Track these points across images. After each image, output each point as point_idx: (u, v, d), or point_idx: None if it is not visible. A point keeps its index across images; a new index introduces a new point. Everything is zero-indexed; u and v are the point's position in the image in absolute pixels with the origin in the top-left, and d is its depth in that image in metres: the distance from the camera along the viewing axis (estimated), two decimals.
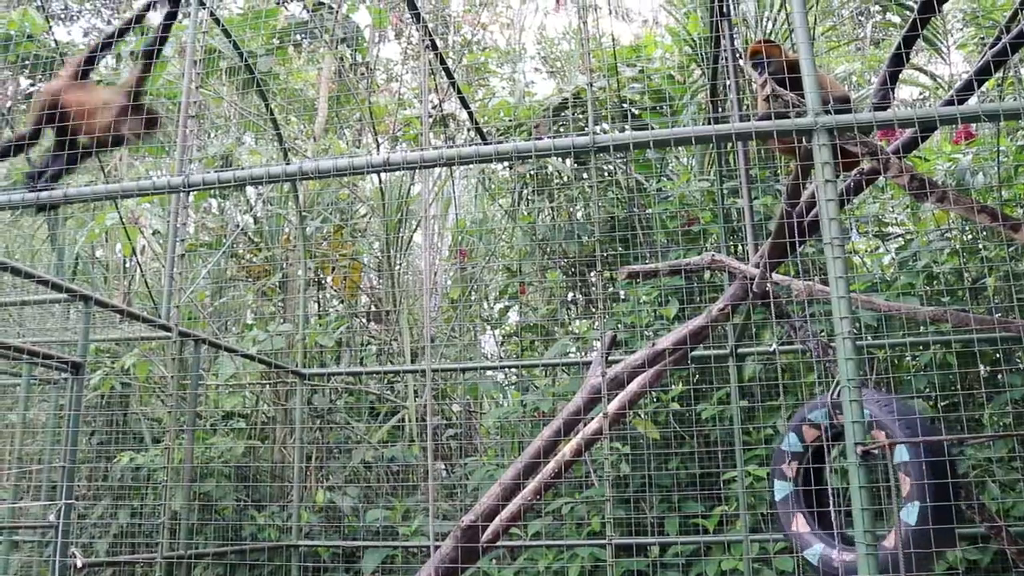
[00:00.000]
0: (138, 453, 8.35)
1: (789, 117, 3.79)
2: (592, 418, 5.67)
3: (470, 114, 6.70)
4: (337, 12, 9.79)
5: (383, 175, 8.72)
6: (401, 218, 9.23)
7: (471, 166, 8.53)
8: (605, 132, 8.12)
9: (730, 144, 7.02)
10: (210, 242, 10.30)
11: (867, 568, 3.37)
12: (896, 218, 8.34)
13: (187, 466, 6.75)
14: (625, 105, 8.22)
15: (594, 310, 8.03)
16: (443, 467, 9.84)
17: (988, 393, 7.05)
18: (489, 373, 9.37)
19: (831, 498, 4.73)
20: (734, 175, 7.04)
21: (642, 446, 7.26)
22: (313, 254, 9.38)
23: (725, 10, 5.77)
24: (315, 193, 9.54)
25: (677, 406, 7.46)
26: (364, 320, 10.11)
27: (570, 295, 9.03)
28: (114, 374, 8.43)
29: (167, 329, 6.23)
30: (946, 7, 10.22)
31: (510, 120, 8.61)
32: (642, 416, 7.30)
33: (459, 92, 6.35)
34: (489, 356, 10.08)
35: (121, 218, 8.39)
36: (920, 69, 10.36)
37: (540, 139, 8.14)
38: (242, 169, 6.24)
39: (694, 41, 8.32)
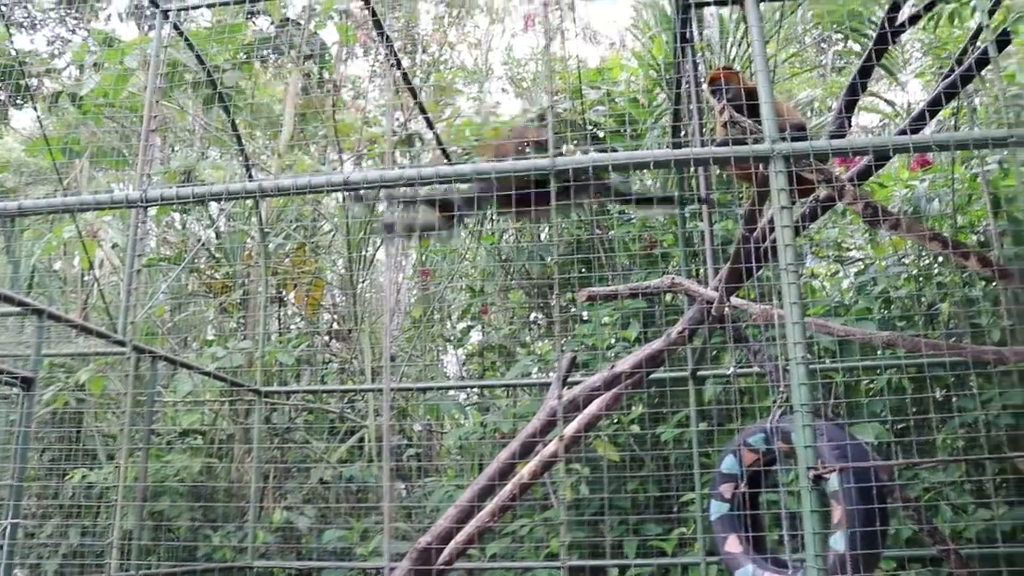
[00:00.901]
0: (91, 470, 8.20)
1: (747, 144, 3.83)
2: (550, 440, 5.67)
3: (435, 133, 6.70)
4: (304, 28, 9.76)
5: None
6: (364, 236, 9.19)
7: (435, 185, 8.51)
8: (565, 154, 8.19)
9: (692, 168, 7.09)
10: (171, 256, 10.19)
11: None
12: (855, 243, 8.45)
13: (140, 484, 6.64)
14: (590, 127, 8.26)
15: (555, 331, 8.03)
16: (403, 487, 9.76)
17: (942, 417, 7.14)
18: (451, 393, 9.34)
19: (785, 519, 4.75)
20: (696, 199, 7.10)
21: (601, 468, 7.26)
22: (275, 271, 9.31)
23: (688, 35, 5.83)
24: (278, 209, 9.48)
25: (637, 428, 7.47)
26: (325, 338, 10.04)
27: (532, 315, 9.03)
28: (68, 389, 8.29)
29: (122, 344, 6.13)
30: (905, 37, 10.44)
31: (476, 140, 8.62)
32: (602, 438, 7.31)
33: (423, 111, 6.34)
34: (451, 376, 10.05)
35: (79, 231, 8.27)
36: (880, 97, 10.55)
37: (504, 160, 8.18)
38: (202, 185, 6.18)
39: (658, 65, 8.41)
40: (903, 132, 5.25)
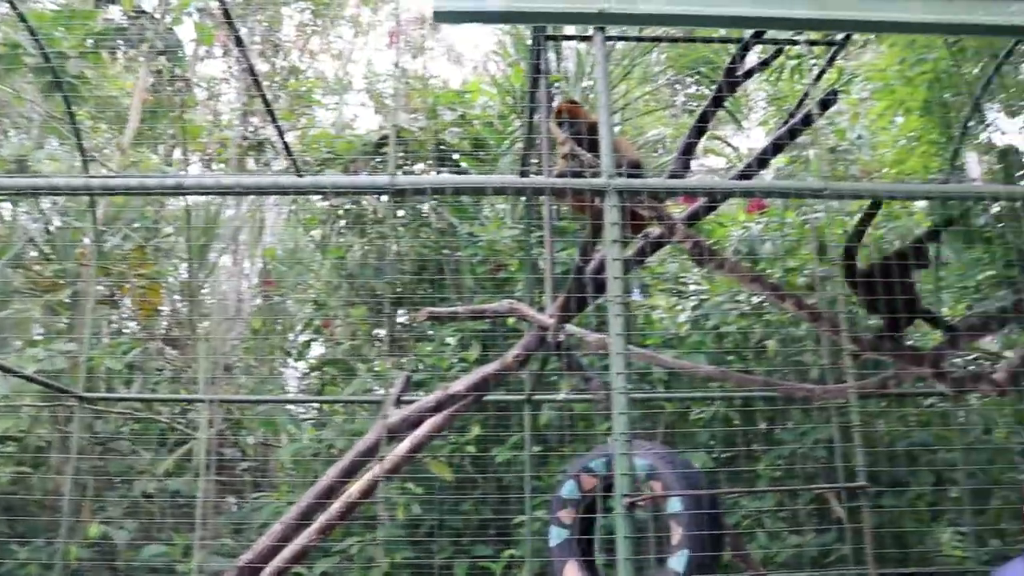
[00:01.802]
0: None
1: (585, 176, 3.93)
2: (383, 458, 5.63)
3: (284, 143, 6.56)
4: (159, 22, 9.38)
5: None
6: (207, 241, 8.87)
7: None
8: (415, 173, 8.21)
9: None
10: None
11: None
12: (693, 279, 8.81)
13: None
14: (443, 148, 8.30)
15: (397, 349, 7.99)
16: (234, 502, 9.43)
17: (765, 448, 7.52)
18: (289, 407, 9.11)
19: (625, 546, 4.84)
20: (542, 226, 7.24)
21: (435, 488, 7.24)
22: (109, 271, 8.85)
23: (543, 67, 5.95)
24: (117, 208, 9.03)
25: (472, 449, 7.50)
26: (160, 344, 9.61)
27: (375, 332, 8.94)
28: None
29: None
30: (752, 87, 11.02)
31: (328, 152, 8.49)
32: (438, 458, 7.30)
33: (274, 120, 6.21)
34: (286, 389, 9.81)
35: None
36: (725, 141, 11.07)
37: (356, 174, 8.11)
38: (24, 176, 5.84)
39: (515, 92, 8.54)
40: (738, 177, 5.54)
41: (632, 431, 3.98)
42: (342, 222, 8.62)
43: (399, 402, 5.50)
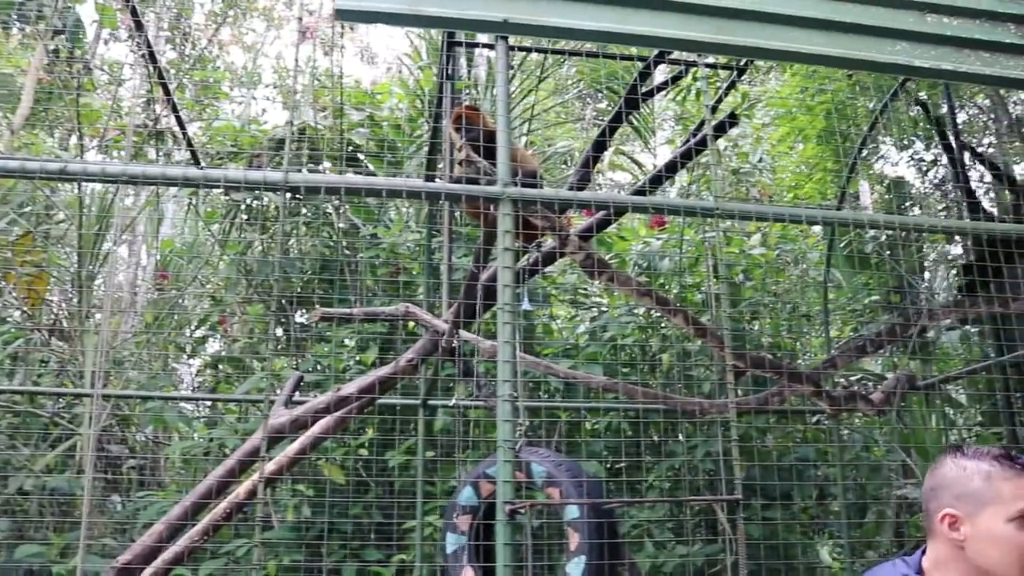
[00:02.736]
0: None
1: (480, 183, 3.95)
2: (272, 458, 5.54)
3: (185, 133, 6.40)
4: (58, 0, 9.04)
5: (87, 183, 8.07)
6: (101, 230, 8.57)
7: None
8: (320, 171, 8.11)
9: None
10: None
11: None
12: (594, 291, 8.94)
13: None
14: (350, 148, 8.22)
15: (295, 348, 7.87)
16: (118, 500, 9.12)
17: (656, 460, 7.67)
18: (182, 404, 8.87)
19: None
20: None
21: (328, 491, 7.16)
22: None
23: (452, 72, 5.96)
24: (5, 191, 8.65)
25: (366, 452, 7.44)
26: (45, 334, 9.23)
27: (272, 331, 8.79)
28: None
29: None
30: (659, 106, 11.25)
31: (232, 145, 8.32)
32: (331, 460, 7.21)
33: (175, 109, 6.05)
34: (179, 385, 9.56)
35: None
36: (631, 157, 11.27)
37: (260, 169, 7.96)
38: None
39: (425, 96, 8.53)
40: (638, 192, 5.64)
41: (528, 439, 4.02)
42: (243, 217, 8.45)
43: (290, 402, 5.42)
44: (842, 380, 7.98)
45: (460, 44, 5.99)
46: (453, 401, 5.80)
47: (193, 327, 9.35)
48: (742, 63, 6.47)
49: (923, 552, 2.32)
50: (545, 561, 5.81)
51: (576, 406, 7.32)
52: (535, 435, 7.28)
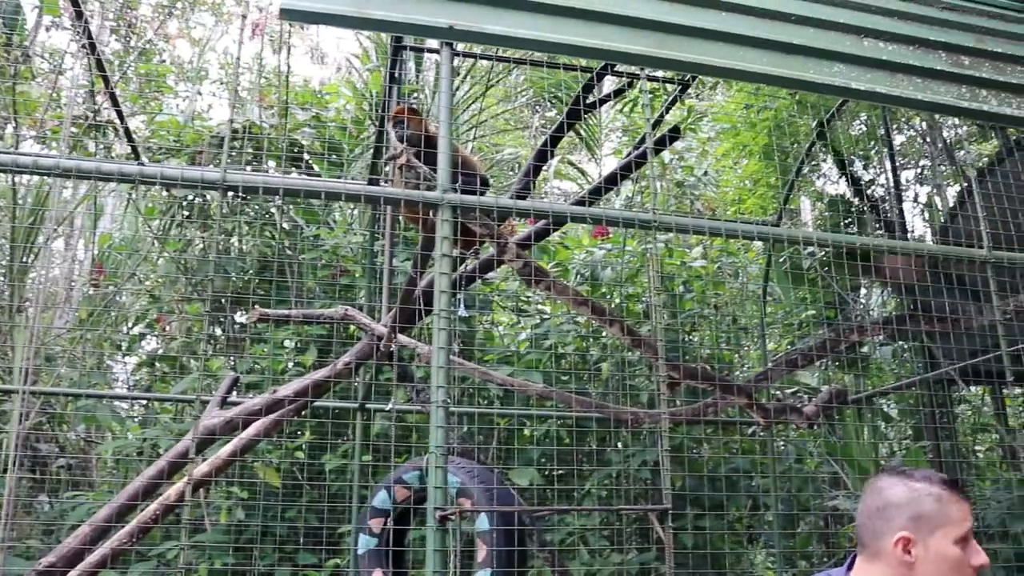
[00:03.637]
0: None
1: (420, 188, 3.95)
2: (204, 459, 5.47)
3: (126, 127, 6.29)
4: None
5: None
6: (36, 223, 8.37)
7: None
8: (264, 170, 8.03)
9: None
10: None
11: None
12: (535, 298, 8.98)
13: None
14: (295, 149, 8.15)
15: (233, 348, 7.76)
16: (46, 500, 8.90)
17: (592, 468, 7.72)
18: (116, 402, 8.69)
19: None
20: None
21: (262, 493, 7.07)
22: None
23: (398, 75, 5.96)
24: None
25: (302, 455, 7.37)
26: None
27: (210, 330, 8.67)
28: None
29: None
30: (608, 117, 11.36)
31: (175, 141, 8.19)
32: (267, 462, 7.13)
33: (115, 103, 5.95)
34: (113, 384, 9.36)
35: None
36: (576, 167, 11.35)
37: (200, 165, 7.85)
38: None
39: (372, 98, 8.50)
40: (580, 202, 5.69)
41: (464, 445, 4.03)
42: (184, 214, 8.32)
43: (224, 403, 5.36)
44: (777, 392, 8.12)
45: (407, 48, 5.98)
46: (389, 406, 5.78)
47: (130, 324, 9.17)
48: (686, 78, 6.57)
49: (849, 566, 2.37)
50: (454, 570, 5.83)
51: (513, 413, 7.33)
52: (472, 442, 7.30)
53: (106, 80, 6.01)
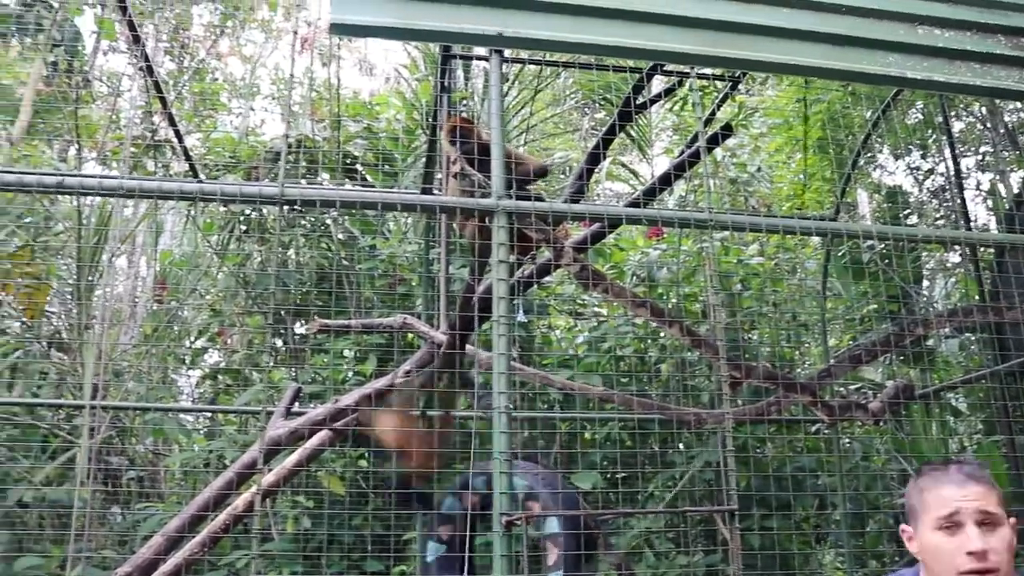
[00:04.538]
0: None
1: (475, 196, 3.97)
2: (271, 469, 5.55)
3: (183, 145, 6.44)
4: (56, 12, 9.08)
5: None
6: (100, 242, 8.60)
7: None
8: (318, 183, 8.13)
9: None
10: None
11: None
12: (592, 301, 8.95)
13: None
14: (348, 161, 8.25)
15: (293, 359, 7.87)
16: (118, 512, 9.12)
17: (655, 471, 7.67)
18: (181, 415, 8.88)
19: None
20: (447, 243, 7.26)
21: (328, 502, 7.15)
22: None
23: (448, 84, 5.99)
24: (4, 203, 8.67)
25: (365, 464, 7.44)
26: (44, 346, 9.24)
27: (271, 342, 8.81)
28: None
29: None
30: (657, 116, 11.29)
31: (230, 157, 8.35)
32: (331, 471, 7.22)
33: (172, 122, 6.09)
34: (178, 397, 9.56)
35: None
36: (629, 168, 11.29)
37: (257, 180, 8.00)
38: None
39: (422, 108, 8.56)
40: (634, 203, 5.66)
41: (527, 450, 4.03)
42: (241, 228, 8.47)
43: (288, 414, 5.43)
44: (841, 389, 7.98)
45: (456, 57, 6.01)
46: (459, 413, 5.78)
47: (192, 338, 9.36)
48: (736, 74, 6.49)
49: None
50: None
51: (574, 417, 7.31)
52: (533, 446, 7.29)
53: (163, 101, 6.16)
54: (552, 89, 10.07)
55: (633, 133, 10.16)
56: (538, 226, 4.01)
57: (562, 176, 10.65)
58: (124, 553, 7.86)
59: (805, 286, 8.71)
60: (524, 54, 6.72)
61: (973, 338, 8.51)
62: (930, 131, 8.68)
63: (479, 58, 6.63)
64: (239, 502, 5.47)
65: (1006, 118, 8.54)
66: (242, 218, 8.63)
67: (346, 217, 8.38)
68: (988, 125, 9.30)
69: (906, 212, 9.66)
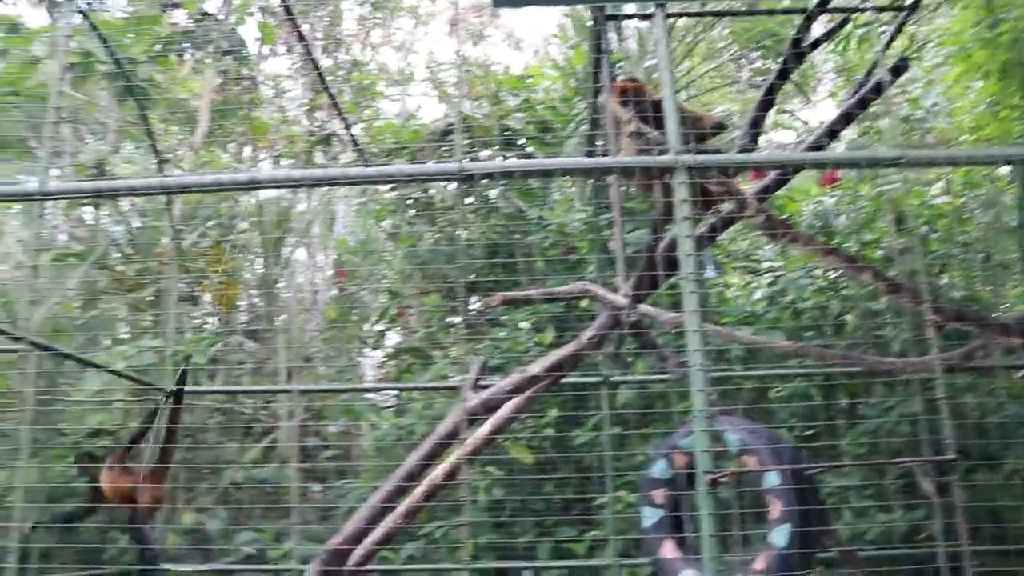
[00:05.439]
0: None
1: (652, 154, 3.91)
2: (465, 441, 5.69)
3: (351, 135, 6.66)
4: (223, 23, 9.58)
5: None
6: (281, 235, 9.07)
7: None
8: (479, 159, 8.23)
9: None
10: (80, 252, 9.87)
11: None
12: (766, 255, 8.68)
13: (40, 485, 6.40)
14: (508, 133, 8.31)
15: (472, 335, 8.03)
16: (318, 489, 9.65)
17: (847, 424, 7.38)
18: (369, 395, 9.27)
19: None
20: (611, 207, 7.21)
21: (516, 471, 7.29)
22: (189, 269, 9.11)
23: (604, 47, 5.91)
24: (192, 207, 9.29)
25: (551, 432, 7.52)
26: (241, 337, 9.87)
27: (449, 319, 9.03)
28: None
29: (18, 340, 5.89)
30: (819, 59, 10.78)
31: (395, 142, 8.59)
32: (518, 441, 7.34)
33: (340, 113, 6.31)
34: (364, 377, 9.97)
35: None
36: (794, 115, 10.85)
37: (423, 162, 8.19)
38: (105, 179, 6.04)
39: (578, 74, 8.50)
40: (809, 149, 5.43)
41: (713, 409, 3.94)
42: (411, 211, 8.71)
43: (476, 386, 5.54)
44: None
45: (615, 17, 5.92)
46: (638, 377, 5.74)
47: (373, 321, 9.73)
48: (910, 2, 6.07)
49: None
50: (740, 531, 5.71)
51: (764, 373, 7.12)
52: (721, 404, 7.16)
53: (330, 94, 6.38)
54: (705, 42, 9.78)
55: (794, 79, 9.74)
56: (719, 179, 3.91)
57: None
58: (327, 526, 8.31)
59: (1000, 223, 8.12)
60: (676, 7, 6.53)
61: None
62: None
63: (638, 16, 6.49)
64: (438, 472, 5.64)
65: None
66: (410, 201, 8.87)
67: (510, 192, 8.47)
68: None
69: None
